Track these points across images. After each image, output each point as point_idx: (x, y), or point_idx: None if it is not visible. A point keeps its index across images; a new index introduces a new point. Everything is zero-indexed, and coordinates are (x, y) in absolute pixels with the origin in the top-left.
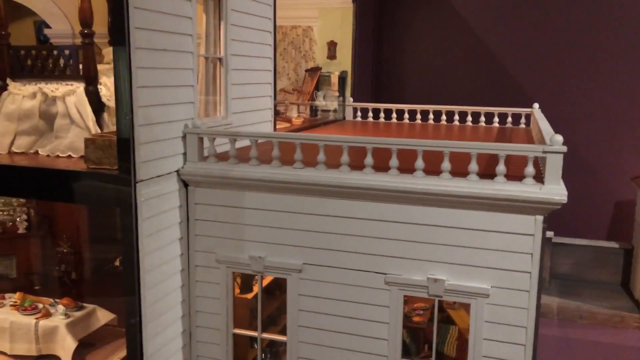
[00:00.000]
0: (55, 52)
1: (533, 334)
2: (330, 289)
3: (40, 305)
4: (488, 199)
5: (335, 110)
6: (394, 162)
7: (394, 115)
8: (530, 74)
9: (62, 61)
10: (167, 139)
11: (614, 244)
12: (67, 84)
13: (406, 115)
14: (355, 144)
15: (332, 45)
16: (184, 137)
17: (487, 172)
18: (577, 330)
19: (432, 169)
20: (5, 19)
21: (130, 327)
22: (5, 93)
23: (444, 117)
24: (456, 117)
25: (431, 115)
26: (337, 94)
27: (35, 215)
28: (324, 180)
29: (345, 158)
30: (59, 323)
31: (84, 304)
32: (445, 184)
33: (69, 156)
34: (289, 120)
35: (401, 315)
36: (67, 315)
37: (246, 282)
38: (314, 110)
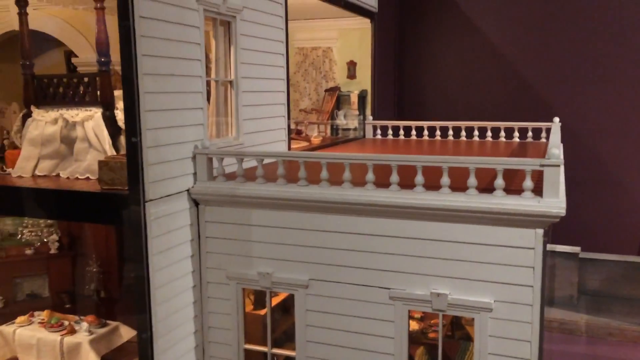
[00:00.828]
0: (75, 80)
1: (538, 348)
2: (336, 304)
3: (66, 323)
4: (487, 212)
5: (355, 129)
6: (394, 178)
7: (414, 132)
8: (555, 87)
9: (81, 88)
10: (176, 159)
11: None
12: (86, 110)
13: (425, 132)
14: (356, 161)
15: (351, 65)
16: (193, 158)
17: (490, 187)
18: (606, 347)
19: (435, 184)
20: (29, 50)
21: (142, 342)
22: (29, 120)
23: (463, 133)
24: (476, 132)
25: (451, 132)
26: (356, 112)
27: (66, 236)
28: (326, 197)
29: (347, 175)
30: (82, 339)
31: (108, 321)
32: (445, 198)
33: (87, 178)
34: (307, 140)
35: (406, 330)
36: (90, 332)
37: (259, 298)
38: (335, 129)
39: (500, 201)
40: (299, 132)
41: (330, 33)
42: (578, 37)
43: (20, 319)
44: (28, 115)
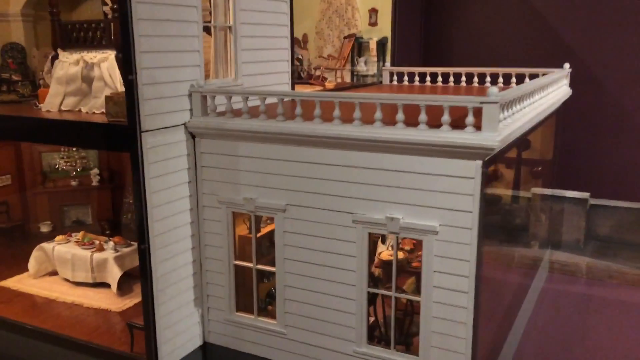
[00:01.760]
0: (93, 25)
1: (475, 267)
2: (309, 226)
3: (97, 242)
4: (434, 145)
5: (374, 75)
6: (357, 114)
7: (440, 79)
8: (585, 34)
9: (99, 33)
10: (173, 96)
11: None
12: (102, 52)
13: (451, 79)
14: (325, 99)
15: (373, 12)
16: (189, 95)
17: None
18: (602, 288)
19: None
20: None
21: (141, 252)
22: (56, 61)
23: (488, 79)
24: (500, 79)
25: (476, 79)
26: (375, 59)
27: (106, 170)
28: (299, 130)
29: (317, 111)
30: (108, 256)
31: (132, 242)
32: (398, 132)
33: (102, 112)
34: (322, 85)
35: (367, 250)
36: (116, 250)
37: (256, 223)
38: (355, 76)
39: (445, 135)
40: (319, 78)
41: None
42: None
43: (58, 237)
44: (56, 57)
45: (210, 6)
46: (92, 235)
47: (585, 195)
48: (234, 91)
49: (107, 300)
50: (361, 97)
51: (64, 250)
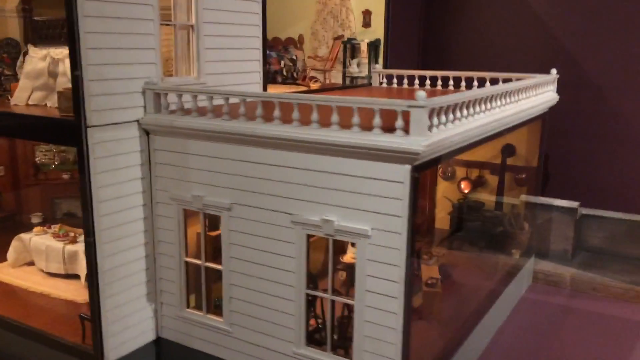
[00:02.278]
0: (60, 22)
1: (405, 272)
2: (252, 226)
3: (72, 234)
4: (364, 148)
5: (365, 77)
6: (295, 115)
7: (439, 82)
8: (582, 40)
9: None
10: (125, 92)
11: None
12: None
13: (451, 82)
14: (265, 99)
15: (367, 14)
16: (143, 92)
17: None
18: (584, 301)
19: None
20: None
21: (87, 245)
22: (27, 56)
23: (487, 84)
24: (500, 83)
25: (475, 83)
26: (365, 61)
27: None
28: (241, 130)
29: (259, 111)
30: (79, 248)
31: None
32: (331, 134)
33: None
34: (307, 85)
35: (305, 251)
36: None
37: (213, 221)
38: (348, 77)
39: (374, 138)
40: (305, 79)
41: None
42: None
43: (36, 229)
44: (27, 52)
45: (172, 4)
46: (69, 227)
47: (574, 204)
48: (184, 90)
49: (75, 292)
50: (298, 98)
51: (39, 241)
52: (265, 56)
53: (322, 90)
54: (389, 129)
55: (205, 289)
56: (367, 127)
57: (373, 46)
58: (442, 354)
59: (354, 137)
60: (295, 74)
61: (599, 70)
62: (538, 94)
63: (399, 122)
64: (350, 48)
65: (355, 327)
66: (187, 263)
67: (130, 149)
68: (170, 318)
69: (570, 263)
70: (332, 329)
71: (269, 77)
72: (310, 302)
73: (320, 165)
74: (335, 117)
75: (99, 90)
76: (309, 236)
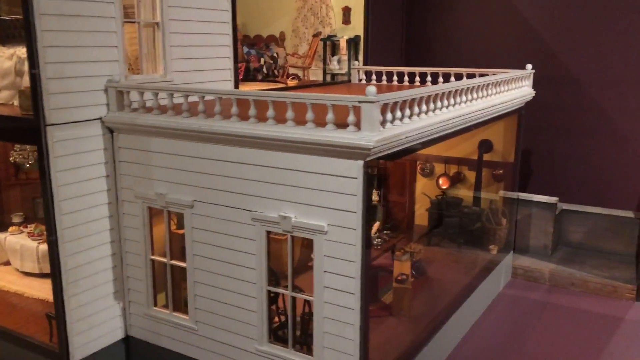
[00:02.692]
0: None
1: (361, 268)
2: (214, 223)
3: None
4: (318, 144)
5: (345, 74)
6: (252, 111)
7: (417, 79)
8: (564, 36)
9: None
10: (86, 90)
11: (630, 214)
12: None
13: (429, 78)
14: (225, 95)
15: (346, 11)
16: (106, 90)
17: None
18: (562, 296)
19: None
20: None
21: (50, 243)
22: None
23: (465, 79)
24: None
25: (452, 79)
26: (345, 58)
27: None
28: (199, 127)
29: (217, 108)
30: None
31: None
32: (286, 130)
33: None
34: (285, 82)
35: (265, 247)
36: None
37: (181, 219)
38: (328, 74)
39: (327, 134)
40: (289, 76)
41: None
42: None
43: (12, 228)
44: None
45: (135, 2)
46: (44, 226)
47: (553, 199)
48: (145, 87)
49: (49, 291)
50: (255, 95)
51: (14, 240)
52: (236, 53)
53: (298, 87)
54: (342, 125)
55: (171, 287)
56: (323, 123)
57: (352, 43)
58: (409, 349)
59: (308, 133)
60: (275, 72)
61: (580, 65)
62: (510, 89)
63: (351, 118)
64: (330, 45)
65: (315, 323)
66: (153, 261)
67: (93, 147)
68: (138, 316)
69: (550, 258)
70: (293, 326)
71: (249, 75)
72: (273, 299)
73: (277, 161)
74: (290, 114)
75: (58, 89)
76: (268, 233)
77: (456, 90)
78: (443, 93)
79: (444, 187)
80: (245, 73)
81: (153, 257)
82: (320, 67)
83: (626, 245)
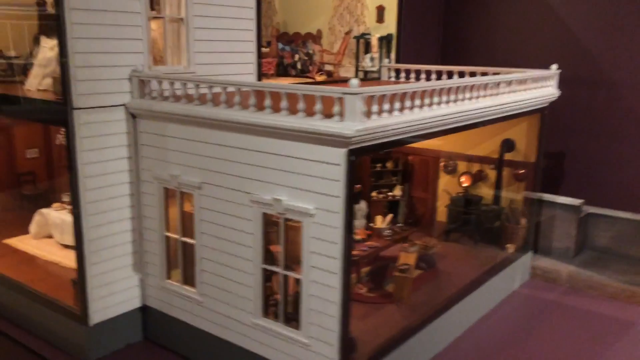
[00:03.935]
0: None
1: (342, 249)
2: (218, 204)
3: None
4: (307, 132)
5: (376, 71)
6: (251, 101)
7: (445, 76)
8: (598, 38)
9: None
10: (112, 79)
11: None
12: None
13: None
14: (229, 85)
15: (380, 10)
16: (130, 79)
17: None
18: (577, 298)
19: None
20: None
21: (75, 216)
22: (40, 46)
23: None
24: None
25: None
26: (375, 55)
27: None
28: (207, 114)
29: (223, 97)
30: None
31: None
32: (279, 119)
33: None
34: (313, 77)
35: (261, 227)
36: None
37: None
38: (361, 71)
39: (314, 122)
40: (319, 71)
41: None
42: None
43: (55, 204)
44: (39, 42)
45: None
46: None
47: (577, 202)
48: (164, 77)
49: None
50: (255, 86)
51: (56, 215)
52: (260, 48)
53: (325, 82)
54: (330, 115)
55: (182, 261)
56: (314, 113)
57: (385, 41)
58: (402, 333)
59: (297, 121)
60: (310, 67)
61: (615, 67)
62: (525, 89)
63: (336, 109)
64: (364, 43)
65: (302, 300)
66: (168, 237)
67: (117, 131)
68: (154, 288)
69: (571, 261)
70: (285, 302)
71: (283, 70)
72: (269, 277)
73: (272, 148)
74: (284, 103)
75: (85, 76)
76: (264, 214)
77: (448, 88)
78: (432, 90)
79: (465, 185)
80: (279, 68)
81: (167, 234)
82: (354, 64)
83: None
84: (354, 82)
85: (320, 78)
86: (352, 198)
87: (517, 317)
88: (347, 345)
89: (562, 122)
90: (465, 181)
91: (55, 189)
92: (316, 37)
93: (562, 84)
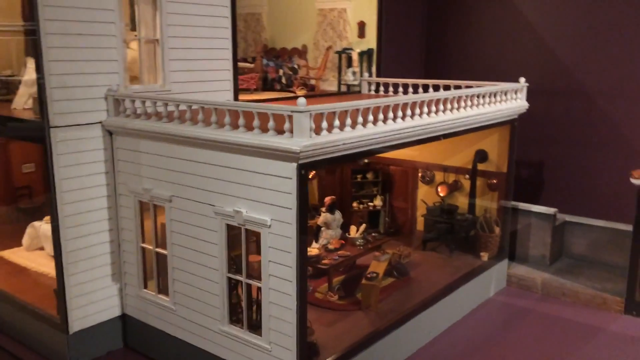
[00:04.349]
0: None
1: (296, 258)
2: (187, 216)
3: None
4: (261, 147)
5: (358, 85)
6: (213, 118)
7: (430, 90)
8: (575, 51)
9: None
10: (88, 98)
11: (631, 227)
12: None
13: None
14: (183, 102)
15: (361, 25)
16: (106, 98)
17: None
18: (549, 305)
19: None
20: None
21: (53, 229)
22: (27, 67)
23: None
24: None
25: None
26: (356, 70)
27: None
28: (171, 130)
29: (188, 114)
30: None
31: None
32: (233, 135)
33: None
34: (294, 92)
35: (225, 238)
36: None
37: None
38: (344, 85)
39: (267, 138)
40: (299, 86)
41: None
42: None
43: (46, 218)
44: (25, 65)
45: (137, 21)
46: None
47: (551, 210)
48: (136, 96)
49: None
50: (216, 104)
51: (47, 228)
52: (236, 66)
53: (305, 96)
54: (281, 131)
55: (157, 271)
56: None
57: (366, 55)
58: (365, 339)
59: (253, 137)
60: (293, 82)
61: (588, 78)
62: (493, 102)
63: (287, 125)
64: (346, 57)
65: (263, 307)
66: (143, 248)
67: (94, 147)
68: (132, 297)
69: (547, 268)
70: (248, 310)
71: (267, 85)
72: (235, 285)
73: (232, 162)
74: (241, 120)
75: (62, 96)
76: (228, 225)
77: (404, 103)
78: (381, 106)
79: (442, 195)
80: (264, 83)
81: (143, 245)
82: (335, 77)
83: (627, 259)
84: (301, 100)
85: (300, 92)
86: (304, 209)
87: (489, 323)
88: (305, 350)
89: (540, 132)
90: (441, 191)
91: (50, 203)
92: (302, 52)
93: (540, 95)
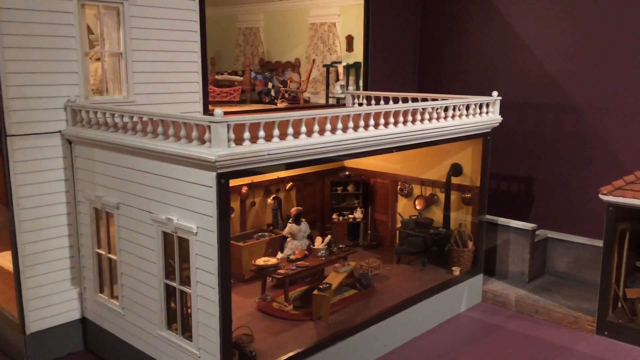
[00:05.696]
0: None
1: (219, 265)
2: (131, 223)
3: None
4: (184, 157)
5: (344, 98)
6: (139, 126)
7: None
8: (565, 66)
9: None
10: (47, 108)
11: None
12: None
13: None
14: (130, 113)
15: (349, 39)
16: (65, 108)
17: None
18: (520, 322)
19: None
20: None
21: (10, 233)
22: None
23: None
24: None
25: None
26: (342, 83)
27: None
28: (113, 140)
29: (130, 124)
30: None
31: None
32: (164, 144)
33: None
34: (275, 104)
35: (162, 245)
36: None
37: None
38: (332, 98)
39: (189, 148)
40: (281, 99)
41: (335, 9)
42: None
43: None
44: None
45: (99, 35)
46: None
47: (529, 226)
48: (91, 107)
49: None
50: (153, 115)
51: None
52: (205, 78)
53: (286, 109)
54: (204, 140)
55: (109, 276)
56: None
57: (354, 69)
58: (308, 349)
59: (178, 146)
60: (286, 95)
61: (576, 93)
62: (457, 115)
63: (207, 135)
64: (334, 71)
65: (192, 314)
66: (99, 254)
67: (53, 155)
68: (90, 301)
69: (524, 285)
70: (182, 315)
71: (256, 98)
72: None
73: (165, 171)
74: (171, 130)
75: (19, 107)
76: (164, 232)
77: (310, 117)
78: (299, 119)
79: (419, 208)
80: (253, 95)
81: (98, 251)
82: (323, 90)
83: None
84: (218, 112)
85: (281, 105)
86: (226, 218)
87: (453, 338)
88: (229, 356)
89: (527, 147)
90: (418, 204)
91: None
92: (294, 66)
93: (528, 109)
